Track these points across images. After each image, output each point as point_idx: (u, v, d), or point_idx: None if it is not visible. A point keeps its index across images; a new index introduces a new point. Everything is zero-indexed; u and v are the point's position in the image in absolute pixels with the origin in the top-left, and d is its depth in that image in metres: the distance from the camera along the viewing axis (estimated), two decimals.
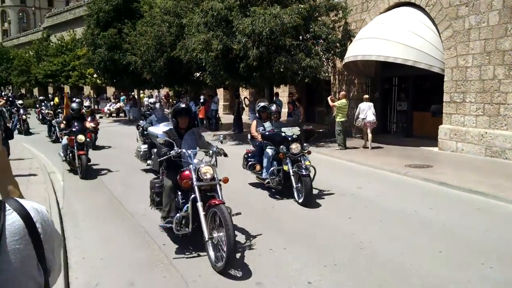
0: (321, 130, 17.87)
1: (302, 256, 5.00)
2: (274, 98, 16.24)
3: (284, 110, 16.48)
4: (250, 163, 8.36)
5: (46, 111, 19.57)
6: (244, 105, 19.37)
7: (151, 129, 9.63)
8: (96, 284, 4.47)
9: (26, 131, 19.93)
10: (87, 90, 40.45)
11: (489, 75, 10.63)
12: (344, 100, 13.07)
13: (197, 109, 20.32)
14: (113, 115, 30.05)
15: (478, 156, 10.91)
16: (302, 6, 13.53)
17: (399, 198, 7.67)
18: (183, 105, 5.87)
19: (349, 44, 14.46)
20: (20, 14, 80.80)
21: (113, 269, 4.85)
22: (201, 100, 20.79)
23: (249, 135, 8.71)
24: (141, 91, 28.83)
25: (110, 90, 37.46)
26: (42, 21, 59.93)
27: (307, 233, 5.82)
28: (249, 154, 8.61)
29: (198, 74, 19.23)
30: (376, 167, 10.30)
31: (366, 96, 13.53)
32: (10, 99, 28.33)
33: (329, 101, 13.29)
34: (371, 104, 12.94)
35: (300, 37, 14.17)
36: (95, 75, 30.12)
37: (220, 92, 27.08)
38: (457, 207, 7.00)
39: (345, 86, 16.44)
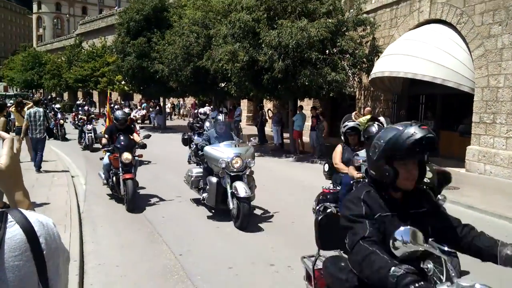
0: None
1: None
2: (298, 112, 16.15)
3: (307, 123, 16.36)
4: (329, 209, 5.47)
5: (80, 116, 19.17)
6: (267, 117, 19.34)
7: (209, 149, 7.22)
8: None
9: (63, 137, 19.30)
10: (114, 96, 41.23)
11: None
12: (368, 116, 12.86)
13: None
14: (138, 121, 30.51)
15: (507, 180, 10.52)
16: (330, 20, 13.47)
17: None
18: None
19: (376, 59, 14.28)
20: (55, 20, 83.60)
21: (128, 277, 4.82)
22: (229, 108, 21.15)
23: (325, 166, 6.44)
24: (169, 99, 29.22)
25: (137, 97, 38.09)
26: (75, 28, 61.77)
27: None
28: (328, 196, 5.89)
29: (223, 85, 19.34)
30: None
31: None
32: (45, 101, 28.68)
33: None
34: None
35: (327, 51, 14.08)
36: (123, 82, 30.70)
37: (244, 103, 27.16)
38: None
39: (370, 102, 16.22)
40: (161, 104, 28.35)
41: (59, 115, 19.79)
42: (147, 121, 30.19)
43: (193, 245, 5.84)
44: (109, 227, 6.70)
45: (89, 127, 15.76)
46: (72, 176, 10.44)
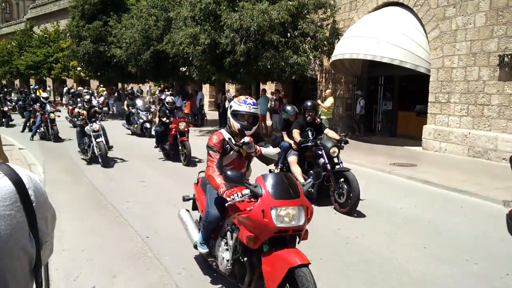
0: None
1: None
2: (261, 95, 16.18)
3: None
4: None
5: (77, 109, 11.70)
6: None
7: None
8: (77, 276, 4.35)
9: (56, 136, 14.37)
10: (70, 82, 39.77)
11: (474, 76, 10.75)
12: (331, 98, 13.11)
13: (183, 104, 20.12)
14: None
15: (461, 156, 11.04)
16: (290, 2, 13.50)
17: (384, 195, 7.69)
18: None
19: (337, 42, 14.48)
20: (3, 4, 78.97)
21: (94, 261, 4.73)
22: (190, 93, 20.89)
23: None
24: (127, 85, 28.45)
25: (94, 84, 36.90)
26: (25, 12, 58.73)
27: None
28: None
29: (184, 69, 19.06)
30: (361, 165, 10.32)
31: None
32: (25, 91, 23.10)
33: (321, 103, 13.23)
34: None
35: (288, 34, 14.13)
36: (78, 68, 29.62)
37: (206, 88, 26.91)
38: (441, 205, 7.05)
39: (331, 84, 16.47)
40: (119, 90, 27.63)
41: (48, 107, 14.58)
42: (105, 108, 29.37)
43: (160, 227, 5.79)
44: (72, 213, 6.51)
45: (95, 126, 10.39)
46: (29, 164, 10.05)
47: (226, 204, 3.42)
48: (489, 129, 10.48)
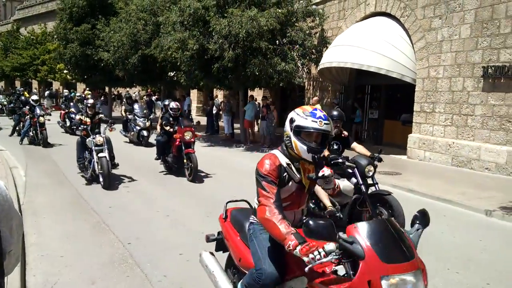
0: None
1: None
2: (249, 101, 16.18)
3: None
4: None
5: (79, 116, 9.27)
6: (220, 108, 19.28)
7: None
8: (55, 283, 4.25)
9: (45, 141, 13.77)
10: (56, 85, 39.33)
11: (458, 87, 10.90)
12: (318, 106, 13.15)
13: None
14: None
15: (445, 165, 11.15)
16: (279, 10, 13.54)
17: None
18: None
19: (325, 50, 14.58)
20: None
21: (73, 267, 4.64)
22: (178, 98, 20.66)
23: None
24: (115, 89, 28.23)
25: (80, 87, 36.55)
26: (13, 13, 58.05)
27: None
28: None
29: (172, 74, 18.98)
30: None
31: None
32: (16, 93, 21.10)
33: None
34: None
35: (277, 41, 14.18)
36: (65, 71, 29.30)
37: (194, 93, 26.83)
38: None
39: (319, 92, 16.56)
40: (106, 94, 27.39)
41: (37, 111, 13.82)
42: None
43: (142, 233, 5.72)
44: (52, 218, 6.40)
45: (99, 139, 8.58)
46: (11, 168, 9.87)
47: (307, 269, 2.29)
48: (473, 139, 10.61)
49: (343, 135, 6.32)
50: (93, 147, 8.51)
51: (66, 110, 17.63)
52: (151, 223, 6.18)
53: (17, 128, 16.03)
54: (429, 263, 4.87)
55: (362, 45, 12.44)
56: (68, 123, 17.22)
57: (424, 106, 11.94)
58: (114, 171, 9.05)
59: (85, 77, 25.33)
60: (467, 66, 10.61)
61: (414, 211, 6.31)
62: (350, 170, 5.65)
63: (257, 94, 19.51)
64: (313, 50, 14.68)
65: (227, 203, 3.58)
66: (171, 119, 9.83)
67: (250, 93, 17.46)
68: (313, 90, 17.03)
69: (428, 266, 4.74)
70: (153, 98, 25.36)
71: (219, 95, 23.12)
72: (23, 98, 16.87)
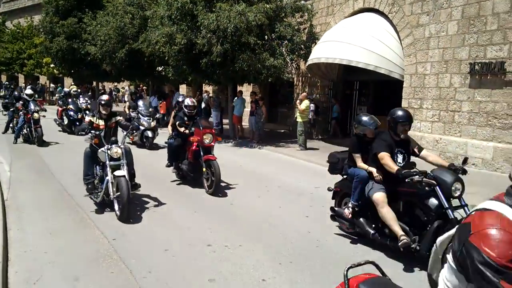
0: (282, 131, 17.95)
1: (257, 254, 4.90)
2: (237, 97, 16.12)
3: (247, 109, 16.39)
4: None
5: (89, 118, 7.09)
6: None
7: None
8: (38, 279, 4.19)
9: (40, 140, 12.73)
10: (43, 79, 38.79)
11: (445, 83, 10.96)
12: (307, 101, 13.16)
13: (159, 104, 19.88)
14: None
15: None
16: (267, 5, 13.46)
17: None
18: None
19: (314, 46, 14.55)
20: None
21: (57, 263, 4.57)
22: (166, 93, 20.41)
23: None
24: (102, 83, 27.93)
25: (68, 81, 36.11)
26: None
27: (264, 231, 5.73)
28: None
29: (160, 68, 18.82)
30: None
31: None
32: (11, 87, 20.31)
33: (298, 105, 13.23)
34: None
35: (265, 36, 14.12)
36: (52, 65, 28.93)
37: (183, 88, 26.67)
38: None
39: (308, 88, 16.55)
40: (93, 88, 27.09)
41: (31, 106, 12.84)
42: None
43: (128, 229, 5.66)
44: (36, 214, 6.30)
45: (116, 151, 6.31)
46: None
47: None
48: (460, 135, 10.69)
49: (407, 138, 5.24)
50: (107, 162, 6.21)
51: (64, 107, 16.42)
52: (136, 218, 6.11)
53: (11, 125, 15.13)
54: (425, 259, 4.91)
55: (351, 41, 12.43)
56: (66, 121, 16.06)
57: (411, 102, 12.00)
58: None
59: (72, 71, 25.08)
60: (454, 63, 10.67)
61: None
62: (427, 188, 4.50)
63: (246, 89, 19.45)
64: (302, 46, 14.64)
65: (347, 270, 2.07)
66: (185, 118, 8.20)
67: (239, 88, 17.40)
68: (302, 85, 17.02)
69: (424, 261, 4.76)
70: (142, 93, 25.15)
71: (209, 90, 23.00)
72: (16, 93, 15.99)
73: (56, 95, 23.92)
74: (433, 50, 11.20)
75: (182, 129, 8.07)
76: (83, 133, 6.56)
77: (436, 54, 11.13)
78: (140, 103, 14.20)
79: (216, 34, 12.95)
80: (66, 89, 19.23)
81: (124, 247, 5.02)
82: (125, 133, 6.79)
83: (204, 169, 7.64)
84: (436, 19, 11.02)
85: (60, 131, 16.29)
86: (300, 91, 16.70)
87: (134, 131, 7.14)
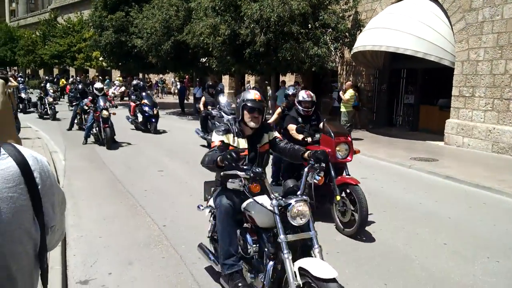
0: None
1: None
2: (280, 86, 16.07)
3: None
4: None
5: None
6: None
7: None
8: (94, 262, 4.40)
9: (109, 141, 11.22)
10: (92, 72, 40.32)
11: (500, 70, 10.43)
12: (351, 91, 12.92)
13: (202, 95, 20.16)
14: (116, 98, 29.83)
15: (484, 152, 10.76)
16: None
17: (404, 189, 7.55)
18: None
19: (359, 34, 14.24)
20: None
21: (111, 247, 4.77)
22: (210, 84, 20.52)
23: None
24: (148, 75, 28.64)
25: (115, 74, 37.33)
26: (50, 2, 59.63)
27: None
28: None
29: (204, 60, 19.06)
30: (381, 158, 10.17)
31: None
32: (78, 81, 20.30)
33: (343, 97, 13.00)
34: None
35: (309, 25, 13.96)
36: (100, 58, 29.97)
37: (226, 79, 26.90)
38: (463, 201, 6.88)
39: (352, 76, 16.24)
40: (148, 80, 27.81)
41: (100, 102, 11.53)
42: (126, 98, 29.68)
43: (176, 217, 5.81)
44: (91, 200, 6.60)
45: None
46: (51, 152, 10.23)
47: None
48: None
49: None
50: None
51: (138, 102, 14.82)
52: (184, 207, 6.27)
53: (76, 121, 14.66)
54: (467, 251, 4.76)
55: (398, 27, 12.06)
56: (140, 118, 14.61)
57: (463, 90, 11.51)
58: (147, 158, 9.12)
59: (120, 64, 25.84)
60: (510, 48, 10.12)
61: (452, 198, 6.14)
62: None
63: (289, 79, 19.35)
64: (347, 34, 14.37)
65: None
66: (300, 120, 6.05)
67: (281, 78, 17.34)
68: (346, 74, 16.72)
69: (466, 254, 4.63)
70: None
71: (251, 81, 23.07)
72: (80, 86, 15.32)
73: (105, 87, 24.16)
74: (486, 35, 10.67)
75: (301, 137, 5.72)
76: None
77: (490, 40, 10.59)
78: (222, 99, 11.04)
79: (259, 24, 12.95)
80: (137, 82, 18.01)
81: (173, 233, 5.16)
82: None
83: (337, 197, 5.25)
84: (491, 2, 10.47)
85: (132, 129, 14.98)
86: (345, 80, 16.41)
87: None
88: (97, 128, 11.62)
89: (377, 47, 12.69)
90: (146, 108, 13.93)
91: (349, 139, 5.62)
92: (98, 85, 12.61)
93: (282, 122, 6.69)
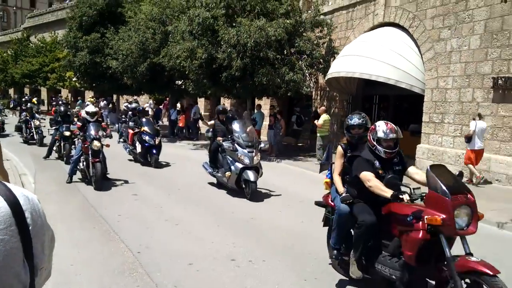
0: (300, 144, 17.93)
1: (282, 270, 4.88)
2: (256, 110, 16.21)
3: (266, 122, 16.45)
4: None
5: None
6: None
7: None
8: None
9: (98, 181, 8.87)
10: (64, 93, 39.66)
11: (468, 98, 10.84)
12: (325, 115, 13.16)
13: (178, 118, 20.12)
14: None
15: None
16: (288, 21, 13.62)
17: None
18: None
19: (333, 60, 14.59)
20: (1, 13, 79.12)
21: (84, 275, 4.63)
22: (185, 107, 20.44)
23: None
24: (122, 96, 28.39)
25: (88, 95, 36.84)
26: (23, 21, 58.84)
27: (288, 247, 5.71)
28: None
29: (180, 82, 19.08)
30: None
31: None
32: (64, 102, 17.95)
33: (316, 123, 13.26)
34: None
35: (285, 51, 14.24)
36: (74, 78, 29.59)
37: (201, 101, 26.93)
38: None
39: (326, 102, 16.54)
40: (114, 101, 27.58)
41: (91, 131, 9.13)
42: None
43: (152, 242, 5.70)
44: (62, 226, 6.39)
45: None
46: (20, 175, 9.93)
47: None
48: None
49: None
50: None
51: (136, 130, 12.46)
52: (159, 232, 6.16)
53: (54, 148, 12.67)
54: None
55: (370, 55, 12.43)
56: (139, 149, 12.19)
57: (433, 117, 11.89)
58: (120, 181, 8.94)
59: (94, 84, 25.58)
60: (477, 77, 10.57)
61: None
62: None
63: (265, 103, 19.55)
64: (321, 60, 14.71)
65: None
66: (377, 164, 4.23)
67: (257, 102, 17.51)
68: (321, 99, 17.03)
69: None
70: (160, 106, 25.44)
71: (226, 104, 23.17)
72: (62, 108, 13.19)
73: (76, 108, 23.36)
74: (455, 64, 11.12)
75: (389, 194, 3.77)
76: None
77: (458, 69, 11.04)
78: (236, 126, 8.97)
79: (236, 48, 13.11)
80: (136, 105, 16.17)
81: (148, 260, 5.05)
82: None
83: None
84: (458, 33, 10.96)
85: (130, 160, 12.89)
86: (319, 104, 16.70)
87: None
88: (84, 163, 9.28)
89: (350, 74, 13.02)
90: (147, 138, 11.85)
91: (471, 198, 3.69)
92: (90, 108, 10.15)
93: (348, 165, 4.57)
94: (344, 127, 4.89)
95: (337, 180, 4.63)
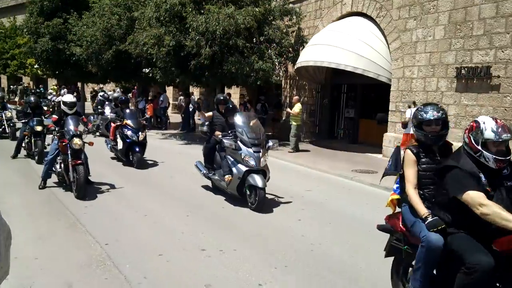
0: (270, 133, 17.98)
1: (252, 258, 4.89)
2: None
3: None
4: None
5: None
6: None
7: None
8: (30, 286, 4.11)
9: (80, 186, 7.20)
10: (26, 80, 38.15)
11: (432, 87, 11.13)
12: (299, 104, 13.26)
13: (146, 106, 19.74)
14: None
15: None
16: (256, 9, 13.51)
17: (347, 201, 7.79)
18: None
19: (302, 49, 14.63)
20: None
21: (49, 269, 4.49)
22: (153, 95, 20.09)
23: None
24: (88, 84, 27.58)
25: (51, 82, 35.61)
26: None
27: (257, 235, 5.73)
28: None
29: (147, 70, 18.69)
30: (324, 171, 10.46)
31: None
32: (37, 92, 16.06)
33: (290, 110, 13.37)
34: None
35: (254, 39, 14.16)
36: (36, 66, 28.48)
37: (170, 90, 26.52)
38: None
39: (296, 91, 16.62)
40: (79, 90, 26.77)
41: (70, 126, 7.49)
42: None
43: (120, 234, 5.59)
44: (26, 218, 6.18)
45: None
46: None
47: None
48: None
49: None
50: None
51: (118, 123, 10.84)
52: (128, 223, 6.05)
53: (23, 145, 11.01)
54: None
55: (339, 44, 12.53)
56: (120, 145, 10.59)
57: (399, 106, 12.14)
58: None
59: (57, 72, 24.70)
60: (441, 67, 10.84)
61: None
62: None
63: (234, 91, 19.45)
64: (290, 49, 14.72)
65: None
66: (484, 180, 3.17)
67: (227, 90, 17.39)
68: (290, 88, 17.08)
69: None
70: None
71: (195, 92, 22.91)
72: (32, 99, 11.33)
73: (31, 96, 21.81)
74: (420, 54, 11.36)
75: None
76: None
77: (423, 58, 11.29)
78: (239, 120, 7.41)
79: (205, 36, 12.94)
80: (119, 94, 14.23)
81: (117, 252, 4.95)
82: None
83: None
84: (423, 24, 11.19)
85: (113, 158, 11.34)
86: (288, 93, 16.76)
87: None
88: (62, 165, 7.72)
89: (319, 63, 13.10)
90: (129, 133, 10.22)
91: None
92: (68, 97, 8.17)
93: (438, 179, 3.40)
94: (413, 123, 3.61)
95: (415, 197, 3.41)
